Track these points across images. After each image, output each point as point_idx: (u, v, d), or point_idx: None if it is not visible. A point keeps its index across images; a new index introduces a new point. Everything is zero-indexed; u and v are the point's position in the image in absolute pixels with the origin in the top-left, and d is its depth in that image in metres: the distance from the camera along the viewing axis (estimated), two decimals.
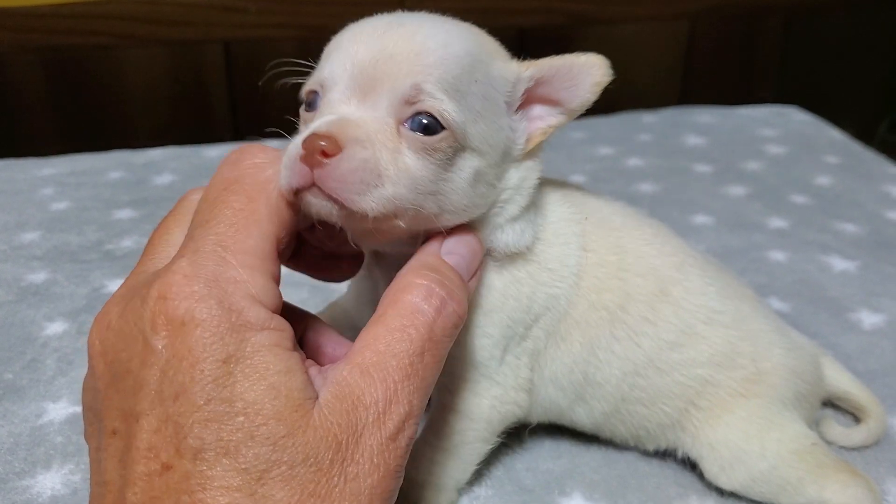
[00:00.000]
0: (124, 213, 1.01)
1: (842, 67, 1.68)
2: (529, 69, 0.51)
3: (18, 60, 1.32)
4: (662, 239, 0.61)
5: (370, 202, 0.44)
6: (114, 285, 0.84)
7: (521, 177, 0.53)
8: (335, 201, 0.43)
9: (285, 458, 0.37)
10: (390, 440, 0.40)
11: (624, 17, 1.52)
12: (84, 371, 0.69)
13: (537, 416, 0.62)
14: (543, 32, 1.49)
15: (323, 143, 0.42)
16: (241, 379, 0.38)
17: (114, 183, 1.10)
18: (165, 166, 1.15)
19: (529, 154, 0.53)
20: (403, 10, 0.52)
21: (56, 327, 0.77)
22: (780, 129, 1.34)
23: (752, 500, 0.59)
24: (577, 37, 1.51)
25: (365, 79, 0.46)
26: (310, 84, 0.49)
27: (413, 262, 0.47)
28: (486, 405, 0.56)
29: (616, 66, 0.52)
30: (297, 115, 0.51)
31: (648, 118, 1.38)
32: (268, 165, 0.44)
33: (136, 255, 0.90)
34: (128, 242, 0.93)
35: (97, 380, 0.41)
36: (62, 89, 1.37)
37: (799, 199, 1.09)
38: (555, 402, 0.60)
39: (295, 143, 0.44)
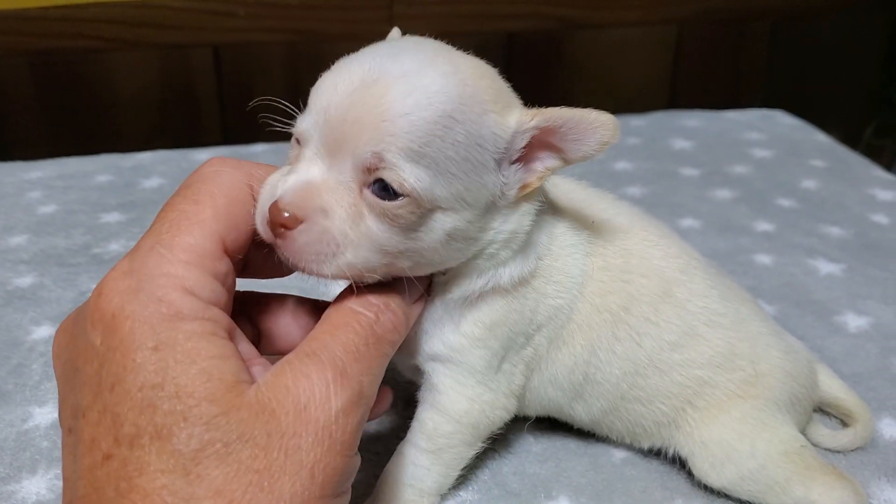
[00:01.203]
0: (112, 217, 1.00)
1: (828, 72, 1.69)
2: (535, 119, 0.49)
3: (7, 64, 1.32)
4: (667, 241, 0.61)
5: (328, 269, 0.46)
6: None
7: (512, 229, 0.52)
8: (293, 265, 0.46)
9: (219, 437, 0.38)
10: (340, 414, 0.41)
11: (612, 22, 1.53)
12: None
13: (535, 412, 0.62)
14: (532, 37, 1.50)
15: (285, 213, 0.44)
16: (172, 364, 0.38)
17: (102, 186, 1.09)
18: (154, 170, 1.15)
19: (525, 197, 0.52)
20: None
21: (43, 331, 0.76)
22: (766, 132, 1.34)
23: (738, 502, 0.60)
24: (566, 42, 1.51)
25: (332, 140, 0.46)
26: (295, 128, 0.49)
27: None
28: (476, 410, 0.56)
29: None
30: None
31: (636, 122, 1.38)
32: (223, 172, 0.46)
33: None
34: (115, 246, 0.93)
35: (57, 382, 0.43)
36: (51, 93, 1.36)
37: (785, 202, 1.09)
38: (553, 401, 0.60)
39: (269, 188, 0.46)
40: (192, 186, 0.46)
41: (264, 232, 0.46)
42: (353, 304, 0.46)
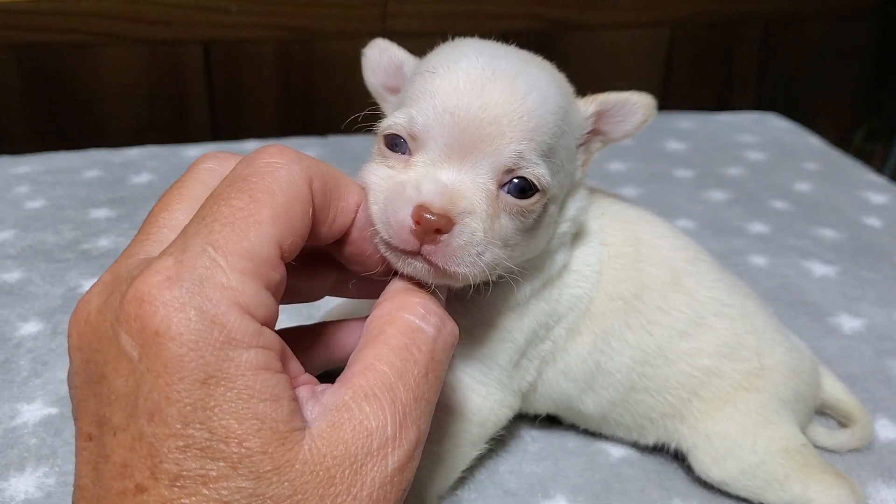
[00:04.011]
0: (101, 213, 0.99)
1: (819, 76, 1.70)
2: (593, 104, 0.53)
3: None
4: (675, 234, 0.62)
5: (475, 269, 0.45)
6: (90, 285, 0.82)
7: (578, 207, 0.55)
8: (439, 270, 0.44)
9: (269, 494, 0.35)
10: (396, 472, 0.38)
11: (605, 24, 1.53)
12: (59, 372, 0.69)
13: (545, 408, 0.62)
14: (526, 37, 1.48)
15: (433, 217, 0.43)
16: (222, 403, 0.35)
17: (90, 182, 1.08)
18: (143, 165, 1.14)
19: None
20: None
21: (30, 327, 0.75)
22: (759, 135, 1.35)
23: (735, 501, 0.60)
24: (560, 42, 1.51)
25: (466, 141, 0.45)
26: (396, 126, 0.47)
27: (400, 282, 0.45)
28: (486, 407, 0.56)
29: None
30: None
31: None
32: (282, 166, 0.41)
33: (113, 254, 0.89)
34: (104, 242, 0.92)
35: (74, 375, 0.39)
36: (39, 87, 1.34)
37: (779, 204, 1.09)
38: (565, 393, 0.60)
39: (390, 192, 0.44)
40: (248, 180, 0.39)
41: (404, 241, 0.43)
42: (413, 315, 0.42)
